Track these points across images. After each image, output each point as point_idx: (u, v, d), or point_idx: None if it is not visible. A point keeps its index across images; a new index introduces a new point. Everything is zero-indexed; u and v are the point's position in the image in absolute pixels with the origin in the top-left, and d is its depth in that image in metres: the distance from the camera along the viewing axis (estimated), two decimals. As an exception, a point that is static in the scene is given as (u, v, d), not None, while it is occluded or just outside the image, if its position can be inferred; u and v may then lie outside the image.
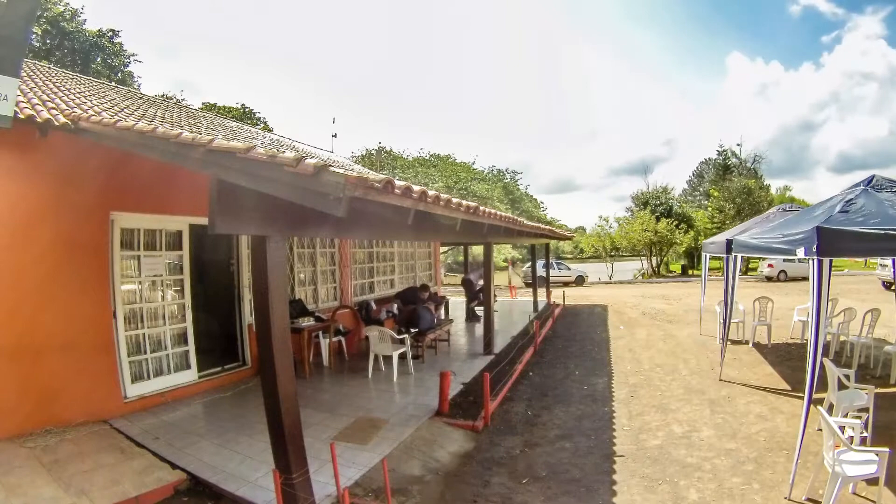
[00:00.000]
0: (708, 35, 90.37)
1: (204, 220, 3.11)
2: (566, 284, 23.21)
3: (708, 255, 10.02)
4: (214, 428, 5.00)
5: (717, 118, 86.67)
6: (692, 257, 32.12)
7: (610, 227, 32.74)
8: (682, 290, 19.97)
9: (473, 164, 41.94)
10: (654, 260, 31.39)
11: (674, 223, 30.75)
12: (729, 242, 6.63)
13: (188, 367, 6.09)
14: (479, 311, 11.79)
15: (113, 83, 14.03)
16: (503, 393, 6.37)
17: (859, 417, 4.26)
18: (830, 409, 4.56)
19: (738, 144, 40.17)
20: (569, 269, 26.98)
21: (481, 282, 12.40)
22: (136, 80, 27.82)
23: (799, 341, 8.84)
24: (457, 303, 14.02)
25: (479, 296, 12.21)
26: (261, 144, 3.89)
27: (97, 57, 25.54)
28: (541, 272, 18.67)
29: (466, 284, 12.70)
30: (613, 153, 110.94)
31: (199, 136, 3.14)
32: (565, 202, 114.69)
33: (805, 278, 19.55)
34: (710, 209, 33.65)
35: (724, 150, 40.57)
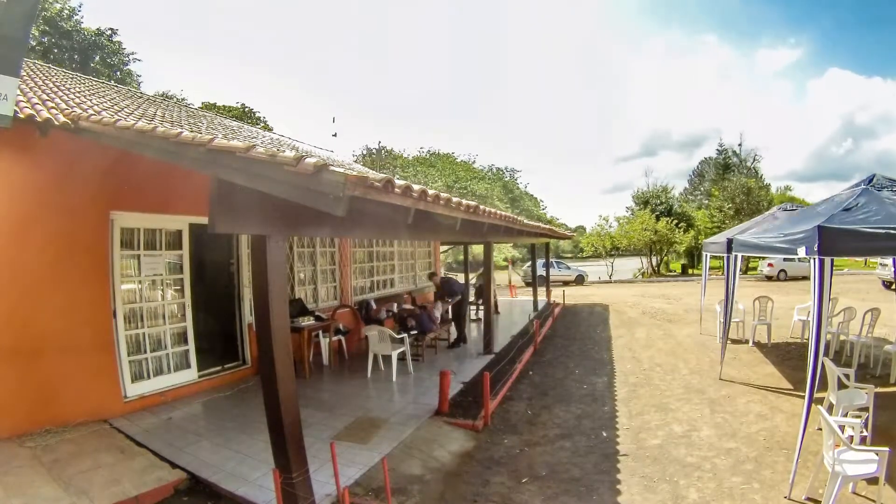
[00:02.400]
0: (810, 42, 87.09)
1: (204, 220, 3.11)
2: (566, 283, 23.23)
3: (708, 255, 10.01)
4: (214, 427, 5.00)
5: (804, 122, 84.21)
6: (692, 257, 32.11)
7: (610, 226, 32.74)
8: (683, 289, 19.97)
9: (473, 162, 42.04)
10: (654, 259, 31.38)
11: (674, 222, 30.74)
12: (729, 242, 6.61)
13: (188, 366, 6.08)
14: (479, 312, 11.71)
15: (112, 82, 14.02)
16: (503, 392, 6.37)
17: (859, 417, 4.27)
18: (830, 409, 4.56)
19: (738, 144, 40.27)
20: (569, 268, 27.00)
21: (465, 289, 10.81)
22: (136, 78, 27.83)
23: (799, 340, 8.83)
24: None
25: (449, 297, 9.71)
26: (261, 144, 3.89)
27: (96, 56, 25.57)
28: (541, 271, 18.65)
29: (444, 284, 10.14)
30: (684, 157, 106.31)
31: (199, 135, 3.14)
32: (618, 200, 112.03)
33: (805, 277, 19.62)
34: (710, 209, 33.65)
35: (725, 150, 40.68)
